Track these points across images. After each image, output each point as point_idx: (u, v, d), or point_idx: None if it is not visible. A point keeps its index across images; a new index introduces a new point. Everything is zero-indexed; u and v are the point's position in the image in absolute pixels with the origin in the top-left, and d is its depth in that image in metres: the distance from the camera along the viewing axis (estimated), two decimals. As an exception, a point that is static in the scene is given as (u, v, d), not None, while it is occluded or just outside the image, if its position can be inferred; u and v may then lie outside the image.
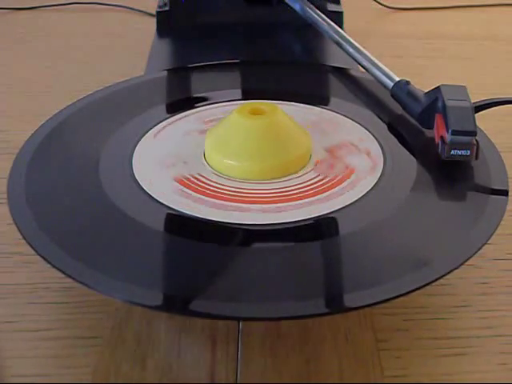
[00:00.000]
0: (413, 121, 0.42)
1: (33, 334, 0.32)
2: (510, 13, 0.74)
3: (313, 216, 0.34)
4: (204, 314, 0.29)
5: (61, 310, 0.34)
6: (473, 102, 0.39)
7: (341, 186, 0.36)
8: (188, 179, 0.37)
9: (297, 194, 0.36)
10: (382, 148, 0.39)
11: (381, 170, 0.37)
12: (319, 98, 0.45)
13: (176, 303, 0.30)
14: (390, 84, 0.44)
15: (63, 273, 0.30)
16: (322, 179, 0.37)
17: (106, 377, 0.30)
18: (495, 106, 0.41)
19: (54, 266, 0.31)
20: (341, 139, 0.40)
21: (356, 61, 0.49)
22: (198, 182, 0.37)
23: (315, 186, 0.36)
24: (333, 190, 0.36)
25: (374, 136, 0.41)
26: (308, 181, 0.37)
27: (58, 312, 0.34)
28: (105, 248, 0.32)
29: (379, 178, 0.37)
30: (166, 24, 0.62)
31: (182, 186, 0.36)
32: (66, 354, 0.31)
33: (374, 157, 0.39)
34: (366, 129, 0.41)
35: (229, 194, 0.35)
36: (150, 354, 0.31)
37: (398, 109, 0.43)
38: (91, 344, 0.32)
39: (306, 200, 0.35)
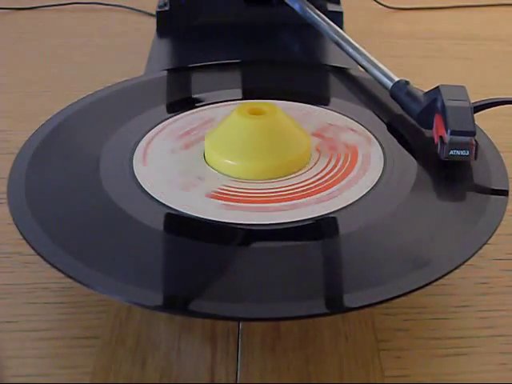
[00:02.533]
0: (413, 121, 0.42)
1: (32, 333, 0.32)
2: (509, 13, 0.74)
3: (313, 216, 0.34)
4: (204, 314, 0.29)
5: (60, 309, 0.34)
6: (472, 102, 0.39)
7: (347, 178, 0.36)
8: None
9: (297, 193, 0.36)
10: (381, 147, 0.39)
11: (381, 170, 0.37)
12: (319, 98, 0.45)
13: (176, 303, 0.30)
14: (390, 84, 0.44)
15: (63, 273, 0.30)
16: (325, 175, 0.37)
17: (105, 377, 0.30)
18: (494, 106, 0.41)
19: (53, 266, 0.31)
20: (340, 138, 0.40)
21: (355, 61, 0.49)
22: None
23: (316, 184, 0.36)
24: (337, 185, 0.36)
25: (373, 136, 0.41)
26: (308, 179, 0.37)
27: (57, 312, 0.34)
28: (105, 248, 0.32)
29: (379, 178, 0.37)
30: (165, 24, 0.62)
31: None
32: (66, 354, 0.31)
33: (374, 156, 0.39)
34: (366, 128, 0.41)
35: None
36: (149, 354, 0.31)
37: (398, 108, 0.43)
38: (91, 344, 0.32)
39: (306, 199, 0.35)
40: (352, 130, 0.41)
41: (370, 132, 0.41)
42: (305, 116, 0.43)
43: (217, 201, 0.35)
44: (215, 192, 0.36)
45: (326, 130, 0.41)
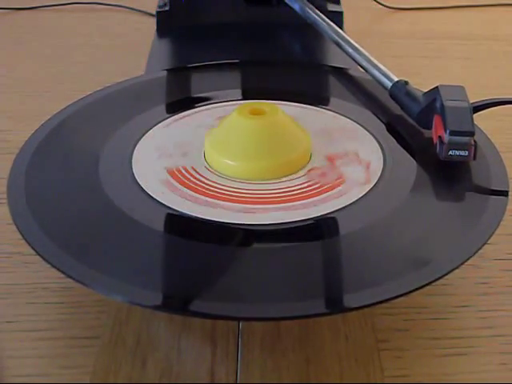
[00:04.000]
0: (412, 121, 0.42)
1: (32, 333, 0.32)
2: (510, 13, 0.74)
3: (313, 216, 0.34)
4: (204, 314, 0.29)
5: (60, 309, 0.34)
6: (472, 102, 0.39)
7: (331, 192, 0.36)
8: (188, 180, 0.37)
9: (297, 193, 0.36)
10: (381, 147, 0.39)
11: (381, 170, 0.37)
12: (319, 98, 0.45)
13: (176, 303, 0.30)
14: (389, 84, 0.44)
15: (63, 273, 0.30)
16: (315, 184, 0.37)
17: (105, 377, 0.30)
18: (493, 106, 0.41)
19: (53, 266, 0.31)
20: (340, 139, 0.40)
21: (355, 61, 0.49)
22: (197, 182, 0.37)
23: (316, 185, 0.36)
24: (326, 193, 0.36)
25: (373, 136, 0.41)
26: (308, 179, 0.37)
27: (57, 312, 0.34)
28: (105, 248, 0.32)
29: (379, 178, 0.37)
30: (166, 24, 0.62)
31: (181, 187, 0.36)
32: (66, 354, 0.31)
33: (373, 157, 0.39)
34: (366, 128, 0.41)
35: (228, 194, 0.35)
36: (149, 354, 0.31)
37: (397, 109, 0.43)
38: (91, 344, 0.32)
39: (306, 200, 0.35)
40: (351, 130, 0.41)
41: (370, 132, 0.41)
42: (304, 116, 0.43)
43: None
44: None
45: (325, 130, 0.41)
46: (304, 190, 0.36)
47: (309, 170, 0.37)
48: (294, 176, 0.37)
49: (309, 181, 0.37)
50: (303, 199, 0.35)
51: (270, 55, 0.56)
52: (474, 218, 0.34)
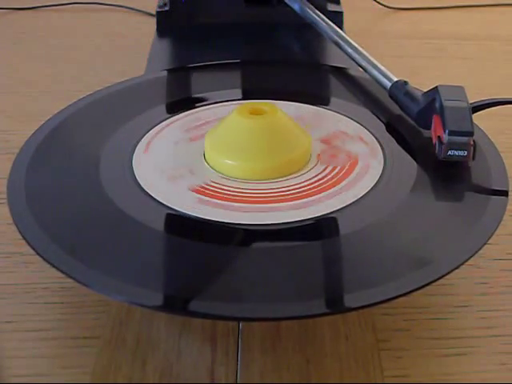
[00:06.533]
0: (411, 121, 0.42)
1: (32, 333, 0.32)
2: (509, 13, 0.74)
3: (313, 216, 0.34)
4: (204, 314, 0.29)
5: (60, 310, 0.34)
6: (471, 102, 0.39)
7: (347, 178, 0.36)
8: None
9: (297, 193, 0.36)
10: (381, 148, 0.39)
11: (380, 170, 0.37)
12: (319, 98, 0.45)
13: (176, 303, 0.30)
14: (388, 84, 0.44)
15: (63, 273, 0.30)
16: (325, 176, 0.37)
17: (105, 377, 0.30)
18: (493, 106, 0.41)
19: (53, 266, 0.31)
20: (338, 138, 0.40)
21: (354, 61, 0.49)
22: (197, 182, 0.37)
23: (316, 184, 0.36)
24: (337, 185, 0.36)
25: (372, 135, 0.41)
26: (308, 179, 0.37)
27: (57, 312, 0.34)
28: (105, 248, 0.32)
29: (379, 178, 0.37)
30: (165, 24, 0.62)
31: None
32: (66, 354, 0.31)
33: (373, 156, 0.39)
34: (365, 128, 0.41)
35: (228, 194, 0.35)
36: (149, 354, 0.31)
37: (396, 109, 0.43)
38: (91, 344, 0.32)
39: (306, 200, 0.35)
40: (351, 130, 0.41)
41: (369, 132, 0.41)
42: (303, 115, 0.43)
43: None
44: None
45: (324, 130, 0.41)
46: (303, 189, 0.36)
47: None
48: (296, 175, 0.37)
49: (310, 178, 0.37)
50: (302, 198, 0.35)
51: (270, 55, 0.56)
52: (474, 218, 0.34)
